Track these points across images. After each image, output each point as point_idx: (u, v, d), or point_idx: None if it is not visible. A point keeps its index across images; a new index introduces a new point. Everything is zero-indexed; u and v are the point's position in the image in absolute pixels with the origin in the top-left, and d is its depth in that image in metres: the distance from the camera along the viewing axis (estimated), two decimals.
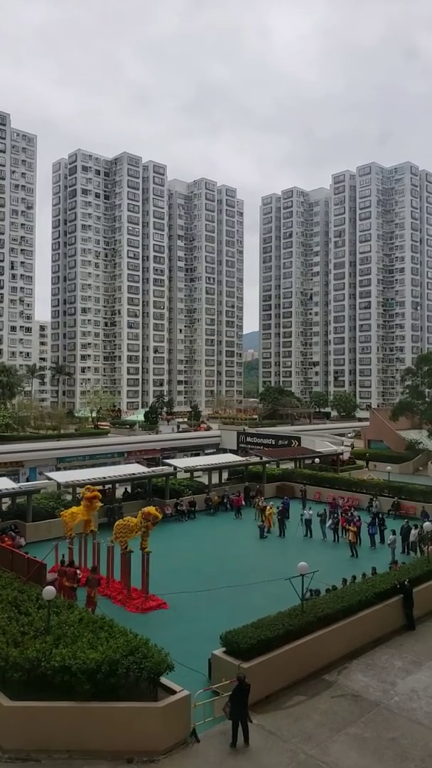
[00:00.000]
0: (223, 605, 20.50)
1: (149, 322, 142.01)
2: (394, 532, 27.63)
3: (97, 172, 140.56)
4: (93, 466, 50.07)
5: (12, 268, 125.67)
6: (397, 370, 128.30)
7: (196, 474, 42.33)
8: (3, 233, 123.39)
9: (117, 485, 37.89)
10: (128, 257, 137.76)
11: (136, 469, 39.70)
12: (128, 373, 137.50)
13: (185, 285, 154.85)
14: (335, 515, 31.99)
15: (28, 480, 54.15)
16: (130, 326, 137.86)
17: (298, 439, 63.06)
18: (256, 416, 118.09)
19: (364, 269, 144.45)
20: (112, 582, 22.88)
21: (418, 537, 27.32)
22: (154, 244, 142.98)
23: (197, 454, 69.24)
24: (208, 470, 41.15)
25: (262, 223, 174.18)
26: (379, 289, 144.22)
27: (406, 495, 37.32)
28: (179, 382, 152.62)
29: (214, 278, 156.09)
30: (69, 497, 33.24)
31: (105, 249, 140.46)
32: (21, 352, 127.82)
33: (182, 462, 45.57)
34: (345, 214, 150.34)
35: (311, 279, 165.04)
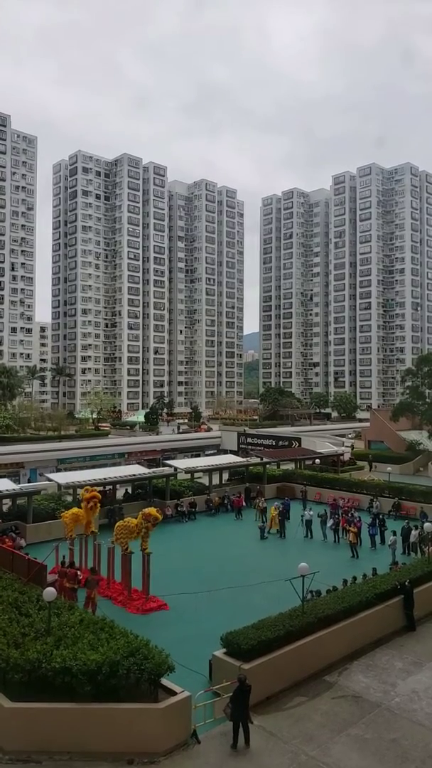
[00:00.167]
0: (223, 606, 20.49)
1: (149, 323, 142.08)
2: (394, 533, 27.61)
3: (98, 174, 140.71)
4: (93, 467, 50.07)
5: (12, 269, 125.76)
6: (397, 370, 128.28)
7: (196, 475, 42.31)
8: (3, 234, 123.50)
9: (117, 486, 37.91)
10: (128, 258, 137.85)
11: (136, 470, 39.68)
12: (128, 374, 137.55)
13: (185, 286, 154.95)
14: (336, 516, 31.95)
15: (29, 481, 54.14)
16: (130, 327, 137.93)
17: (299, 439, 63.04)
18: (256, 417, 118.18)
19: (365, 270, 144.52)
20: (113, 583, 22.87)
21: (419, 538, 27.30)
22: (154, 245, 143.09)
23: (198, 455, 69.28)
24: (209, 471, 41.15)
25: (262, 224, 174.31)
26: (380, 290, 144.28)
27: (406, 496, 37.29)
28: (179, 383, 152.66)
29: (214, 279, 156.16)
30: (69, 498, 33.24)
31: (105, 250, 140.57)
32: (21, 354, 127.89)
33: (183, 463, 45.54)
34: (345, 214, 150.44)
35: (311, 280, 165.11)
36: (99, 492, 26.44)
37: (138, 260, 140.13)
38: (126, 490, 39.55)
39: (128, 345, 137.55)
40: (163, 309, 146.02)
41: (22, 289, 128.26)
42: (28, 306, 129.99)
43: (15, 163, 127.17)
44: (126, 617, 19.32)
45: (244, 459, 49.22)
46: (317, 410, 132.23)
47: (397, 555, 26.41)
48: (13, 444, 67.01)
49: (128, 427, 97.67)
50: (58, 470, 52.28)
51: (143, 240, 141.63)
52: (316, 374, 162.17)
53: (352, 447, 66.29)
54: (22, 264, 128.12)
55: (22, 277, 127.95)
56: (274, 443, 64.34)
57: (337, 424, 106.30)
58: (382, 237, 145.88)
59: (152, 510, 21.82)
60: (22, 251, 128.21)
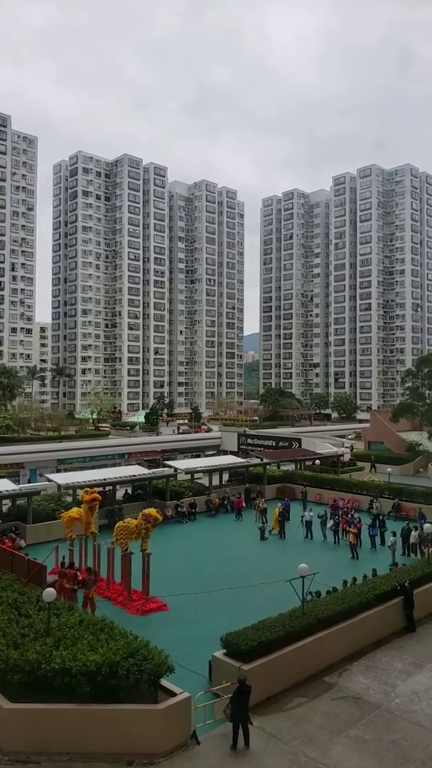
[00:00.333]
0: (223, 607, 20.48)
1: (150, 323, 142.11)
2: (394, 534, 27.59)
3: (98, 174, 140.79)
4: (93, 467, 50.06)
5: (13, 269, 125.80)
6: (397, 371, 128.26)
7: (196, 476, 42.31)
8: (4, 235, 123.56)
9: (117, 487, 37.89)
10: (129, 259, 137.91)
11: (136, 470, 39.68)
12: (129, 375, 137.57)
13: (186, 287, 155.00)
14: (336, 517, 31.94)
15: (29, 482, 54.12)
16: (130, 328, 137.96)
17: (299, 440, 63.02)
18: (256, 418, 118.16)
19: (365, 271, 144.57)
20: (113, 584, 22.86)
21: (419, 539, 27.27)
22: (154, 246, 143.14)
23: (198, 456, 69.24)
24: (209, 472, 41.14)
25: (262, 225, 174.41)
26: (380, 291, 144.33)
27: (406, 497, 37.29)
28: (180, 384, 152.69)
29: (214, 280, 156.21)
30: (69, 499, 33.22)
31: (105, 251, 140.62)
32: (21, 354, 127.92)
33: (183, 463, 45.50)
34: (345, 215, 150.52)
35: (312, 281, 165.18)
36: (99, 493, 26.44)
37: (138, 261, 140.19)
38: (126, 490, 39.54)
39: (128, 345, 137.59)
40: (164, 309, 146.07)
41: (23, 290, 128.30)
42: (29, 306, 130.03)
43: (15, 164, 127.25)
44: (126, 618, 19.30)
45: (244, 460, 49.23)
46: (317, 411, 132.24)
47: (397, 556, 26.39)
48: (13, 444, 66.99)
49: (128, 428, 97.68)
50: (58, 471, 52.26)
51: (143, 240, 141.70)
52: (317, 375, 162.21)
53: (351, 448, 66.20)
54: (23, 264, 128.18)
55: (22, 277, 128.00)
56: (274, 444, 64.30)
57: (337, 425, 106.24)
58: (383, 238, 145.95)
59: (152, 511, 21.81)
60: (22, 251, 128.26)
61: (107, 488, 35.70)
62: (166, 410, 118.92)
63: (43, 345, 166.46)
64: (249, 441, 69.14)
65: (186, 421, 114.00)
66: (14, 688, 12.99)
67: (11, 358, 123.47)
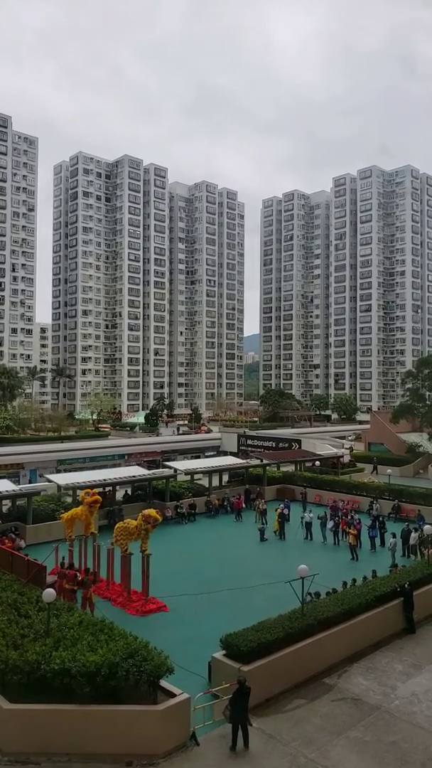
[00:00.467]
0: (223, 608, 20.47)
1: (150, 324, 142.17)
2: (394, 535, 27.58)
3: (98, 175, 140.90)
4: (93, 468, 50.05)
5: (13, 270, 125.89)
6: (397, 372, 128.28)
7: (196, 476, 42.33)
8: (4, 235, 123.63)
9: (117, 487, 37.90)
10: (129, 260, 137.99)
11: (136, 471, 39.71)
12: (129, 376, 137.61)
13: (186, 287, 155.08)
14: (335, 518, 31.95)
15: (30, 482, 54.12)
16: (130, 328, 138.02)
17: (299, 441, 63.03)
18: (256, 419, 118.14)
19: (365, 272, 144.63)
20: (112, 584, 22.85)
21: (419, 540, 27.27)
22: (155, 247, 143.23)
23: (197, 457, 69.26)
24: (209, 473, 41.14)
25: (262, 226, 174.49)
26: (380, 292, 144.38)
27: (406, 498, 37.29)
28: (180, 385, 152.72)
29: (214, 281, 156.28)
30: (69, 499, 33.22)
31: (106, 251, 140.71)
32: (22, 354, 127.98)
33: (182, 464, 45.50)
34: (346, 217, 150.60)
35: (312, 282, 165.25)
36: (98, 493, 26.44)
37: (138, 261, 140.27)
38: (126, 491, 39.54)
39: (128, 346, 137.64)
40: (164, 310, 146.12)
41: (23, 290, 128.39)
42: (29, 307, 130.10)
43: (16, 164, 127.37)
44: (125, 619, 19.29)
45: (244, 461, 49.22)
46: (317, 412, 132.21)
47: (397, 557, 26.37)
48: (13, 445, 67.01)
49: (128, 429, 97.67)
50: (58, 471, 52.28)
51: (144, 241, 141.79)
52: (317, 376, 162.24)
53: (351, 449, 66.18)
54: (23, 265, 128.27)
55: (22, 278, 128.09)
56: (274, 445, 64.29)
57: (337, 426, 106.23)
58: (383, 239, 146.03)
59: (152, 511, 21.81)
60: (22, 252, 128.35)
61: (107, 489, 35.71)
62: (166, 411, 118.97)
63: (43, 345, 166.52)
64: (249, 442, 69.13)
65: (186, 422, 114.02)
66: (14, 689, 12.99)
67: (11, 358, 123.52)
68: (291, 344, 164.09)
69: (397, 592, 19.25)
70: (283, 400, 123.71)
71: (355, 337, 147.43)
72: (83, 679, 12.60)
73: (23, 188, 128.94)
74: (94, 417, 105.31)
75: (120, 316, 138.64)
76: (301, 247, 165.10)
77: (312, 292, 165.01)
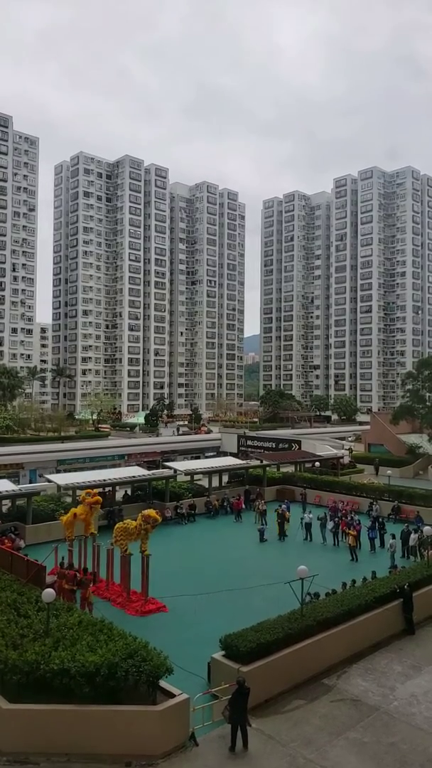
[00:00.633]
0: (222, 608, 20.48)
1: (150, 324, 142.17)
2: (393, 536, 27.61)
3: (99, 175, 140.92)
4: (93, 468, 50.07)
5: (14, 270, 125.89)
6: (397, 374, 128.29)
7: (196, 477, 42.34)
8: (5, 235, 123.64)
9: (117, 488, 37.90)
10: (130, 260, 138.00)
11: (136, 471, 39.71)
12: (129, 376, 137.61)
13: (186, 288, 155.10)
14: (335, 519, 31.96)
15: (29, 482, 54.12)
16: (131, 329, 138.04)
17: (299, 442, 63.04)
18: (256, 419, 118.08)
19: (365, 273, 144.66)
20: (112, 585, 22.86)
21: (418, 541, 27.27)
22: (155, 247, 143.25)
23: (197, 457, 69.23)
24: (209, 473, 41.16)
25: (263, 227, 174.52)
26: (380, 293, 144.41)
27: (406, 499, 37.32)
28: (180, 385, 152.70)
29: (215, 281, 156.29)
30: (69, 499, 33.23)
31: (106, 251, 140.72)
32: (22, 354, 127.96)
33: (182, 465, 45.51)
34: (346, 218, 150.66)
35: (312, 282, 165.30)
36: (98, 494, 26.45)
37: (139, 262, 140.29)
38: (125, 491, 39.55)
39: (129, 346, 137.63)
40: (164, 311, 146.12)
41: (23, 290, 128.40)
42: (29, 307, 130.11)
43: (17, 164, 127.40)
44: (125, 619, 19.29)
45: (244, 461, 49.20)
46: (317, 413, 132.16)
47: (397, 558, 26.39)
48: (13, 445, 67.02)
49: (128, 429, 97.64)
50: (58, 471, 52.29)
51: (144, 242, 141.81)
52: (317, 377, 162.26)
53: (350, 450, 66.15)
54: (23, 265, 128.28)
55: (23, 277, 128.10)
56: (274, 446, 64.29)
57: (337, 427, 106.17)
58: (384, 240, 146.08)
59: (152, 512, 21.82)
60: (23, 252, 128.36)
61: (107, 489, 35.71)
62: (166, 411, 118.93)
63: (43, 345, 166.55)
64: (249, 443, 69.13)
65: (186, 422, 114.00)
66: (13, 689, 13.00)
67: (12, 358, 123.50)
68: (291, 345, 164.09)
69: (397, 593, 19.25)
70: (283, 400, 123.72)
71: (355, 338, 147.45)
72: (82, 680, 12.60)
73: (24, 188, 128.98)
74: (94, 417, 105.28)
75: (120, 316, 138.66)
76: (302, 247, 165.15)
77: (312, 293, 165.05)
